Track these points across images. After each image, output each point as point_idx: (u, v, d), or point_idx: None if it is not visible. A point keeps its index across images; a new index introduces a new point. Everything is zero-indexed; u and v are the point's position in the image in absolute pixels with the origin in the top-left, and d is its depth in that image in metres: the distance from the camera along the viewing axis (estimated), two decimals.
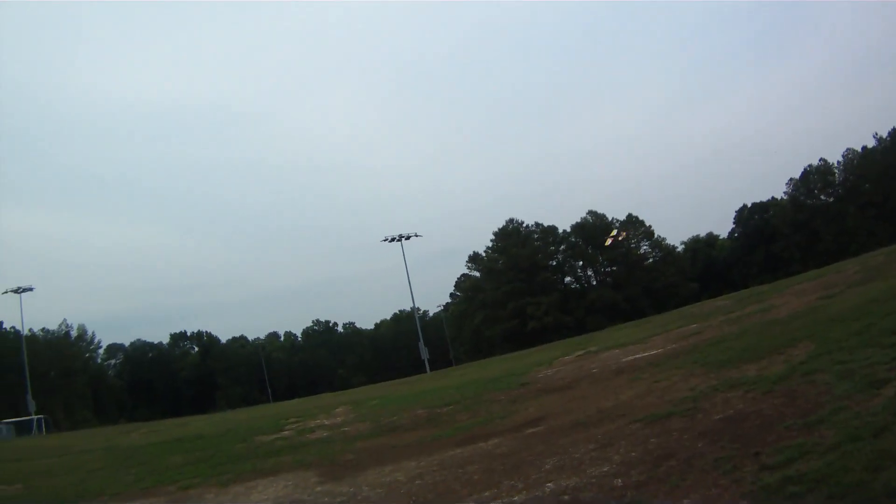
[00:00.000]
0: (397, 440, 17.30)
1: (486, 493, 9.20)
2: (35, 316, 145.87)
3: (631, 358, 23.45)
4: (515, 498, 8.62)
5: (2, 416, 71.54)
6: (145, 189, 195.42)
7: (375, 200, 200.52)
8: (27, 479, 20.04)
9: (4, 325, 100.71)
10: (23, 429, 66.07)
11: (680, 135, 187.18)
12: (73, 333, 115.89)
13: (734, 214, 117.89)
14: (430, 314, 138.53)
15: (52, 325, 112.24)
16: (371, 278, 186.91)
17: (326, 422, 25.42)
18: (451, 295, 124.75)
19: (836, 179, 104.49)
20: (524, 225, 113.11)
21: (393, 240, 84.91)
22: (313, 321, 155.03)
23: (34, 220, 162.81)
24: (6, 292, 78.59)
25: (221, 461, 18.61)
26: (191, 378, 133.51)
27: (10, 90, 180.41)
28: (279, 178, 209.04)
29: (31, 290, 78.93)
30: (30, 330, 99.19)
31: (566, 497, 8.05)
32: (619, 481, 8.14)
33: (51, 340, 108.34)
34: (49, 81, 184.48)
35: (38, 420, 67.60)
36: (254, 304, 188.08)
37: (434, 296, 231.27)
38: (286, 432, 24.02)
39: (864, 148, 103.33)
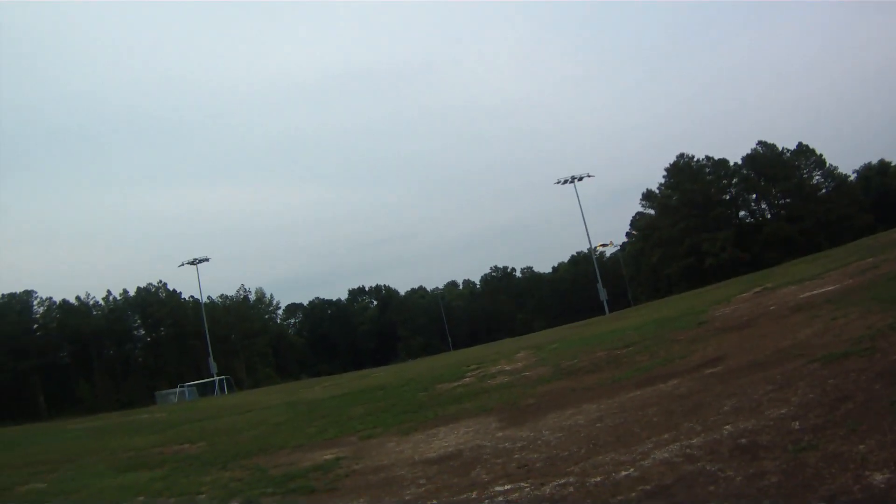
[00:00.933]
0: (577, 383, 17.93)
1: (666, 436, 9.56)
2: (215, 284, 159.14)
3: (808, 294, 23.35)
4: (694, 440, 8.92)
5: (187, 379, 79.49)
6: (316, 150, 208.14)
7: (546, 142, 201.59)
8: (211, 436, 21.64)
9: (184, 296, 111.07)
10: (206, 390, 72.71)
11: (842, 55, 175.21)
12: (252, 297, 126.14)
13: None
14: (608, 254, 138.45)
15: (231, 292, 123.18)
16: (547, 221, 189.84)
17: (507, 367, 26.34)
18: (627, 234, 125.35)
19: None
20: (695, 159, 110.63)
21: (566, 182, 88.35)
22: (491, 268, 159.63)
23: (210, 193, 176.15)
24: (182, 265, 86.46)
25: (403, 410, 19.91)
26: (371, 331, 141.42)
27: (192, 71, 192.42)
28: (451, 127, 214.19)
29: (206, 260, 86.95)
30: (209, 297, 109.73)
31: (744, 440, 8.26)
32: (796, 424, 8.35)
33: (230, 305, 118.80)
34: (232, 57, 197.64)
35: (220, 380, 73.77)
36: (431, 255, 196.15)
37: (610, 235, 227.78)
38: (467, 379, 25.16)
39: None
